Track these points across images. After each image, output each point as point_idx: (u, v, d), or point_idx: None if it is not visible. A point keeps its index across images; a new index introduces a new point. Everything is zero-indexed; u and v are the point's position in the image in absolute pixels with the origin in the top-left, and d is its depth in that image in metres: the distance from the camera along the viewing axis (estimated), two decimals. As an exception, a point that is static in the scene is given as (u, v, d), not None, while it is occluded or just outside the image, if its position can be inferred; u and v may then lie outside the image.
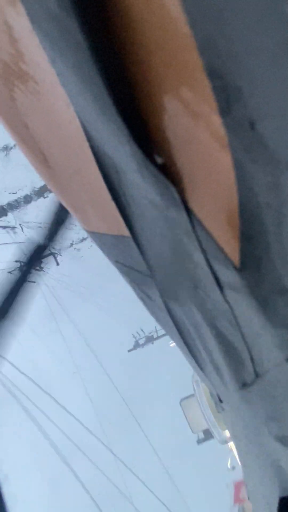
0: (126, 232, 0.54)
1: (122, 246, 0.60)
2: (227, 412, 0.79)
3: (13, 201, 9.48)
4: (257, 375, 0.58)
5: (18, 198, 9.42)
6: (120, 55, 0.35)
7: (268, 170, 0.37)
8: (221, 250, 0.45)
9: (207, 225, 0.44)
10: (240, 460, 0.86)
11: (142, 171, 0.41)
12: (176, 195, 0.42)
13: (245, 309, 0.49)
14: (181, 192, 0.42)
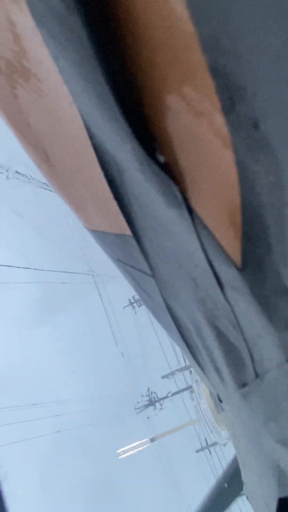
0: (127, 230, 0.54)
1: (123, 245, 0.59)
2: (227, 412, 0.79)
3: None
4: (257, 375, 0.58)
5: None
6: (123, 53, 0.35)
7: (271, 170, 0.37)
8: (222, 249, 0.45)
9: (208, 224, 0.44)
10: (239, 460, 0.86)
11: (144, 169, 0.41)
12: (178, 194, 0.42)
13: (246, 309, 0.49)
14: (183, 191, 0.42)
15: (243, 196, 0.40)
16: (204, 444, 12.89)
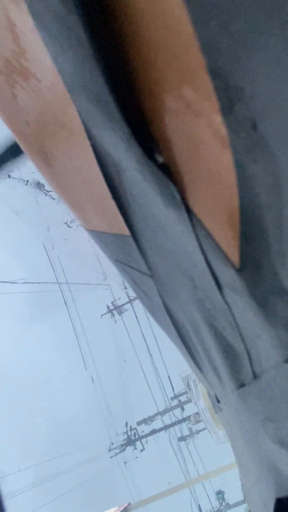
0: (126, 231, 0.54)
1: (122, 245, 0.59)
2: (225, 412, 0.80)
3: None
4: (255, 375, 0.58)
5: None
6: (122, 53, 0.35)
7: (269, 171, 0.37)
8: (221, 250, 0.45)
9: (207, 225, 0.44)
10: (237, 460, 0.86)
11: (143, 170, 0.41)
12: (177, 195, 0.42)
13: (244, 309, 0.49)
14: (181, 191, 0.42)
15: (242, 197, 0.40)
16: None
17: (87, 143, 0.45)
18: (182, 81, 0.35)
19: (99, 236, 0.64)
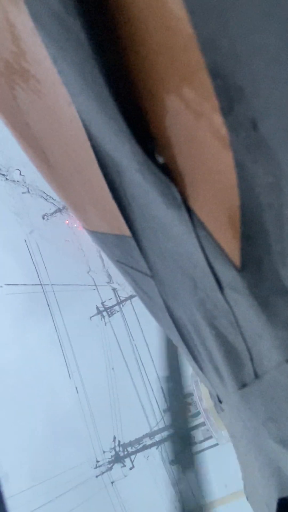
0: (126, 231, 0.54)
1: (122, 246, 0.59)
2: (227, 412, 0.79)
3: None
4: (256, 375, 0.58)
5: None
6: (122, 54, 0.35)
7: (270, 171, 0.37)
8: (221, 250, 0.45)
9: (208, 225, 0.44)
10: (239, 461, 0.86)
11: (143, 170, 0.41)
12: (177, 195, 0.42)
13: (245, 309, 0.49)
14: (182, 191, 0.42)
15: (242, 197, 0.40)
16: None
17: (87, 144, 0.45)
18: (182, 81, 0.35)
19: (100, 237, 0.64)
